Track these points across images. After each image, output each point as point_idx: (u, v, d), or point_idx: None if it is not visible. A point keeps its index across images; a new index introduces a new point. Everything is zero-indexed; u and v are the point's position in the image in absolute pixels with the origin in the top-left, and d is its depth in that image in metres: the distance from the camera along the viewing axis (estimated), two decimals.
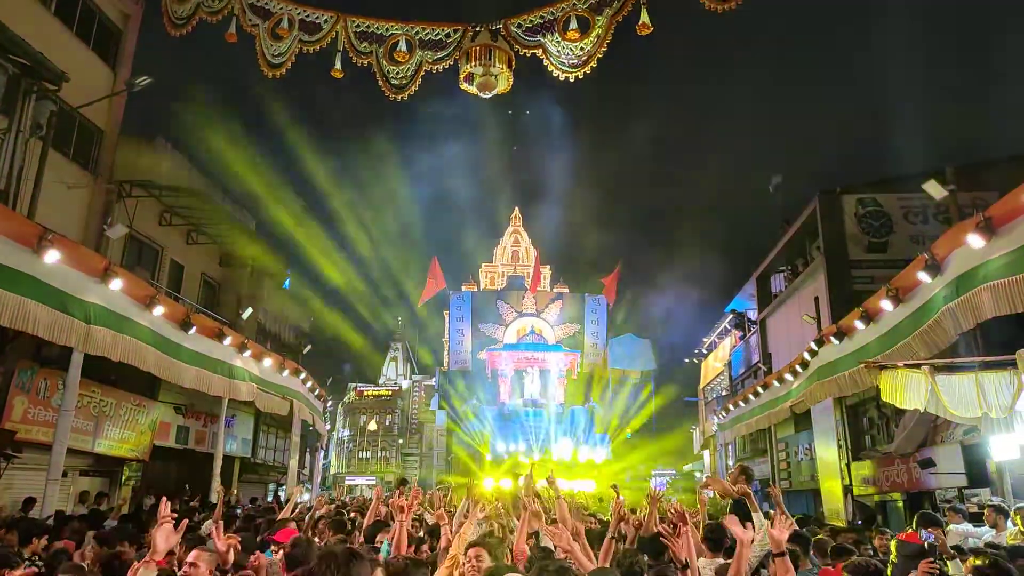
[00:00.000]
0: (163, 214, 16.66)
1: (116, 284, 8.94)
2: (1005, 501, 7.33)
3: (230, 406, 13.99)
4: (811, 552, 5.61)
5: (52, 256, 7.72)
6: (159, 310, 10.01)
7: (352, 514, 8.26)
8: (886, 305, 9.80)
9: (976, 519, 7.72)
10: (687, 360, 40.73)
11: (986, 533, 6.85)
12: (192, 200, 16.20)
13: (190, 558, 4.44)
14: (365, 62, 11.73)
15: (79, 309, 8.30)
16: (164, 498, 3.90)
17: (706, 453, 34.16)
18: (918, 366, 7.53)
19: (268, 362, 14.65)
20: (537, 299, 45.30)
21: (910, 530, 6.32)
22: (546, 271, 51.68)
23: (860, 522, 11.85)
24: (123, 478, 14.10)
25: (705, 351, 37.11)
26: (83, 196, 14.19)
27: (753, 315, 26.21)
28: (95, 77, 14.65)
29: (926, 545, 5.11)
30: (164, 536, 3.50)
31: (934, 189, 10.96)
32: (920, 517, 6.98)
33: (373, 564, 2.89)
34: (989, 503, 7.31)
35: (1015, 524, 6.38)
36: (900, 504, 12.60)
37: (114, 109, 15.21)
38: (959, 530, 7.20)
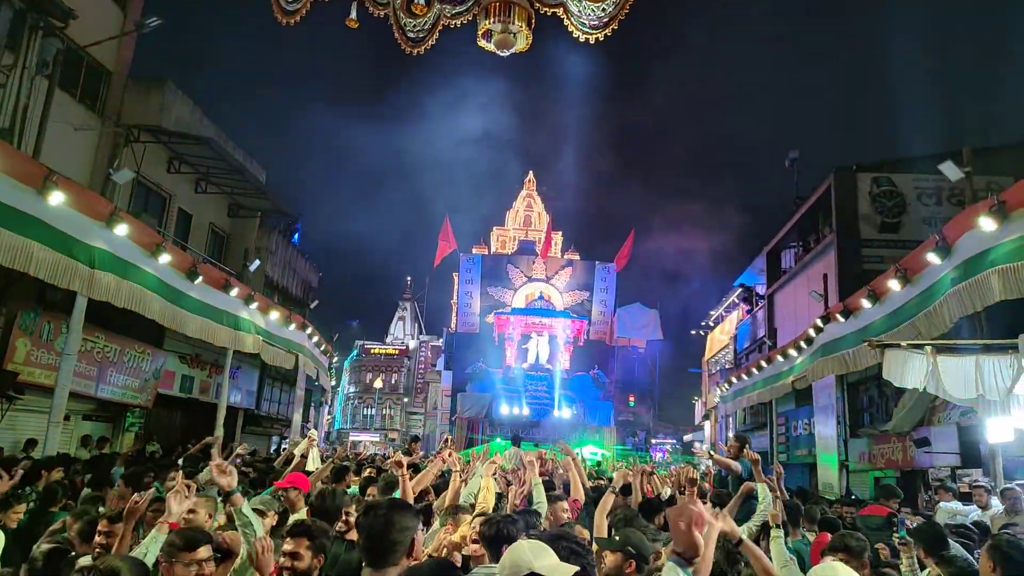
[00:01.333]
0: (172, 161, 16.54)
1: (122, 229, 8.94)
2: (993, 481, 7.36)
3: (235, 358, 14.10)
4: (802, 523, 5.65)
5: (57, 198, 7.71)
6: (165, 258, 10.01)
7: (368, 471, 8.31)
8: (894, 285, 9.74)
9: (966, 498, 7.77)
10: (693, 332, 40.77)
11: (972, 512, 6.90)
12: (202, 148, 16.05)
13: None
14: (382, 13, 11.52)
15: (83, 253, 8.30)
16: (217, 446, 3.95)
17: (707, 424, 34.38)
18: (921, 346, 7.47)
19: (275, 315, 14.73)
20: (547, 265, 45.13)
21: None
22: (558, 237, 51.50)
23: (854, 496, 11.93)
24: (126, 424, 14.29)
25: (712, 324, 37.08)
26: (90, 138, 14.06)
27: (761, 290, 26.09)
28: (104, 16, 14.36)
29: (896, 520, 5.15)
30: (178, 500, 3.53)
31: (950, 170, 10.80)
32: (881, 489, 7.09)
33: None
34: (977, 483, 7.35)
35: (1001, 504, 6.41)
36: (894, 481, 12.67)
37: (123, 50, 14.93)
38: (948, 507, 7.26)
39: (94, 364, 11.82)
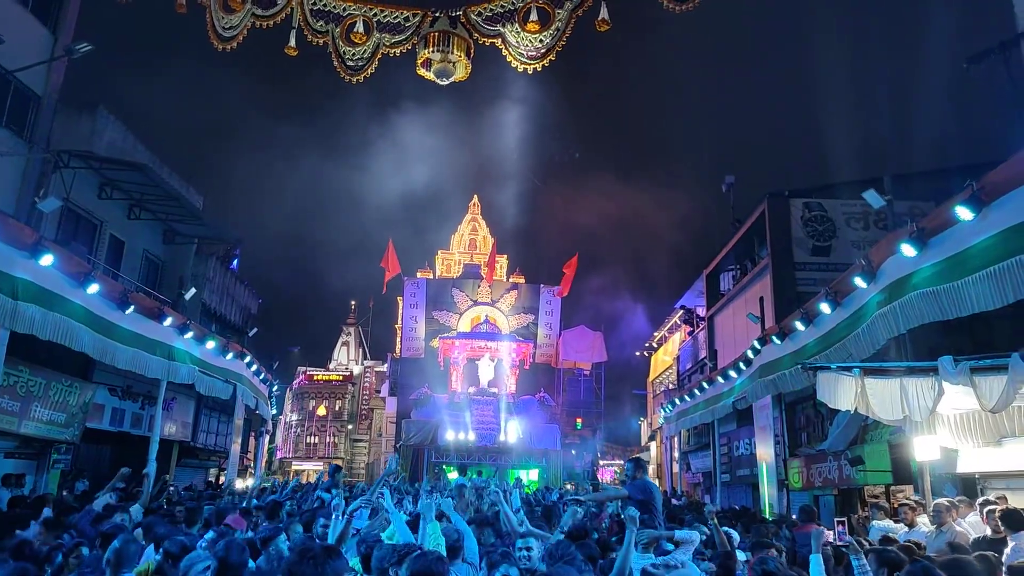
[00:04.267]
0: (103, 187, 16.04)
1: (47, 259, 8.62)
2: (923, 499, 7.64)
3: (170, 388, 13.63)
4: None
5: None
6: (94, 287, 9.68)
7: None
8: (825, 307, 10.08)
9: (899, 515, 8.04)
10: (638, 353, 41.35)
11: (901, 530, 7.13)
12: (135, 174, 15.61)
13: None
14: (321, 41, 11.47)
15: (6, 284, 7.99)
16: None
17: (652, 445, 34.75)
18: (850, 368, 7.74)
19: (211, 344, 14.32)
20: (493, 288, 45.19)
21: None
22: (503, 260, 51.63)
23: (795, 516, 12.18)
24: (51, 461, 13.56)
25: (655, 345, 37.67)
26: (16, 164, 13.63)
27: (702, 312, 26.63)
28: (34, 40, 14.11)
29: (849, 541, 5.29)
30: None
31: (873, 199, 11.31)
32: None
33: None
34: (904, 502, 7.62)
35: (931, 523, 6.65)
36: (832, 499, 13.00)
37: (53, 75, 14.64)
38: (880, 526, 7.48)
39: (17, 399, 11.22)
